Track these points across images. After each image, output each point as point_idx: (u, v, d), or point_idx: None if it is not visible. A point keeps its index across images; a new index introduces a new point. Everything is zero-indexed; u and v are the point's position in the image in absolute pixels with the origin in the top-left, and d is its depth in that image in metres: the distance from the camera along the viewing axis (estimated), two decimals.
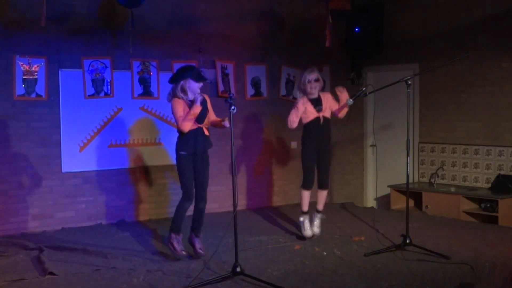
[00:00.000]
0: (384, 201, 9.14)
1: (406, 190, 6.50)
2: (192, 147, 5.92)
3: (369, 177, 9.92)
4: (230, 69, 8.57)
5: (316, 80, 6.60)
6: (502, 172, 8.15)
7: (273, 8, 8.97)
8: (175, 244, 6.01)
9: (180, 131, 5.94)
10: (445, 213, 8.03)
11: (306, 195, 6.77)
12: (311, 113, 6.62)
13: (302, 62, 9.19)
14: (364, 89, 6.56)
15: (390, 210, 8.60)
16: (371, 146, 9.78)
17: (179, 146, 5.98)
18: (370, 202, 9.79)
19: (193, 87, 5.88)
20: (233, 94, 5.46)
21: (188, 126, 5.84)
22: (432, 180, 8.70)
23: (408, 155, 6.31)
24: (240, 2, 8.64)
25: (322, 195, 6.81)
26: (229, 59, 8.58)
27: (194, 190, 6.03)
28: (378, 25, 9.30)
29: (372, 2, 9.27)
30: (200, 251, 6.01)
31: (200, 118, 5.93)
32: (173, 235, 6.05)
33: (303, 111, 6.62)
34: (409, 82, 6.28)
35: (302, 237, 6.76)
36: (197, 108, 5.82)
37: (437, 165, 8.90)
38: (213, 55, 8.44)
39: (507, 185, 7.88)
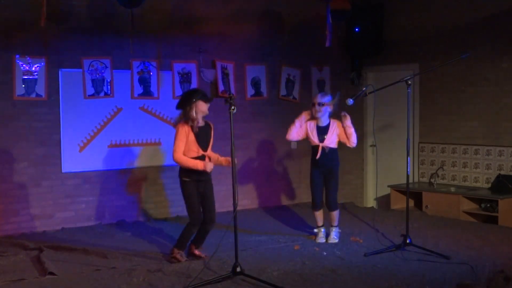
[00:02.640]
0: (384, 201, 9.13)
1: (406, 190, 6.50)
2: (195, 173, 5.83)
3: (369, 177, 9.92)
4: (230, 69, 8.57)
5: (320, 105, 6.48)
6: (502, 172, 8.15)
7: (273, 8, 8.97)
8: (178, 257, 5.93)
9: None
10: (445, 213, 8.03)
11: (315, 214, 6.76)
12: (313, 141, 6.60)
13: (302, 62, 9.20)
14: (364, 89, 6.55)
15: (390, 210, 8.60)
16: (371, 146, 9.78)
17: (183, 173, 5.89)
18: (370, 202, 9.78)
19: (203, 108, 5.83)
20: (233, 94, 5.45)
21: (180, 161, 5.79)
22: (432, 180, 8.69)
23: (408, 155, 6.31)
24: (240, 2, 8.64)
25: (332, 215, 6.75)
26: (229, 59, 8.58)
27: (201, 215, 5.95)
28: (378, 25, 9.30)
29: (372, 2, 9.27)
30: (202, 255, 5.99)
31: (203, 146, 5.89)
32: (176, 250, 5.98)
33: (304, 132, 6.60)
34: (409, 82, 6.28)
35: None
36: (200, 166, 5.77)
37: (437, 165, 8.90)
38: (213, 55, 8.44)
39: (507, 185, 7.87)
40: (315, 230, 6.81)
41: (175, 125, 5.88)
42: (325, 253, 6.16)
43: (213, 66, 8.44)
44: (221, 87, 8.43)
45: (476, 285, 5.14)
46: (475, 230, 7.08)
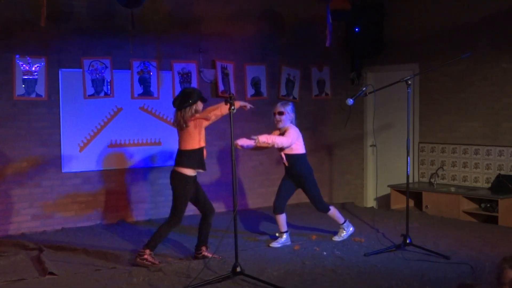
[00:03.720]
0: (384, 201, 9.14)
1: (406, 190, 6.49)
2: (198, 164, 5.84)
3: (369, 177, 9.92)
4: (230, 69, 8.58)
5: (280, 113, 6.44)
6: (502, 172, 8.15)
7: (273, 8, 8.96)
8: (150, 259, 5.78)
9: (184, 150, 5.82)
10: (445, 213, 8.03)
11: (277, 218, 6.62)
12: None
13: (302, 62, 9.20)
14: (364, 89, 6.54)
15: (390, 210, 8.61)
16: (371, 146, 9.78)
17: (186, 163, 5.81)
18: (370, 202, 9.79)
19: (200, 109, 5.86)
20: (233, 94, 5.45)
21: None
22: (432, 180, 8.69)
23: (408, 155, 6.31)
24: (240, 2, 8.64)
25: (328, 216, 6.75)
26: (229, 59, 8.58)
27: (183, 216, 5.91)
28: (378, 25, 9.30)
29: (372, 2, 9.27)
30: (217, 256, 5.91)
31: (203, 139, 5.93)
32: (148, 251, 5.79)
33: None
34: (409, 82, 6.27)
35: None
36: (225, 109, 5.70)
37: (437, 165, 8.90)
38: (213, 55, 8.44)
39: (507, 185, 7.88)
40: (277, 234, 6.69)
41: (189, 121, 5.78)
42: (325, 253, 6.16)
43: (213, 66, 8.44)
44: (221, 87, 8.44)
45: (476, 285, 5.14)
46: (475, 230, 7.08)
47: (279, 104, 6.54)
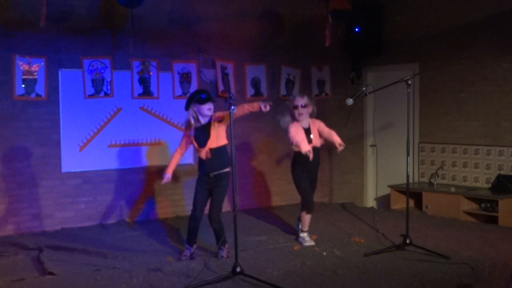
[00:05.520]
0: (384, 201, 9.14)
1: (406, 190, 6.49)
2: (202, 169, 6.02)
3: (369, 177, 9.92)
4: (230, 69, 8.57)
5: (304, 106, 6.42)
6: (502, 172, 8.15)
7: (273, 8, 8.97)
8: (184, 252, 6.07)
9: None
10: (445, 213, 8.03)
11: (308, 218, 6.65)
12: None
13: (302, 62, 9.20)
14: (364, 89, 6.53)
15: (390, 210, 8.60)
16: (371, 146, 9.78)
17: (198, 166, 6.15)
18: (370, 202, 9.79)
19: (202, 111, 5.89)
20: (233, 94, 5.45)
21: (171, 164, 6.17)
22: (432, 180, 8.69)
23: (408, 155, 6.31)
24: (240, 2, 8.64)
25: (305, 218, 6.65)
26: (229, 59, 8.58)
27: (201, 213, 6.03)
28: (378, 25, 9.30)
29: (372, 2, 9.27)
30: (224, 256, 5.99)
31: (200, 142, 5.96)
32: (186, 245, 6.12)
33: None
34: (409, 82, 6.27)
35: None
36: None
37: (437, 165, 8.90)
38: (213, 55, 8.44)
39: (507, 185, 7.88)
40: (302, 236, 6.64)
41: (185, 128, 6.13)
42: (325, 253, 6.15)
43: (213, 66, 8.44)
44: (221, 87, 8.44)
45: (476, 285, 5.15)
46: (475, 230, 7.08)
47: (298, 97, 6.50)
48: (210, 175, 5.96)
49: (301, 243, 6.55)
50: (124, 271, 5.57)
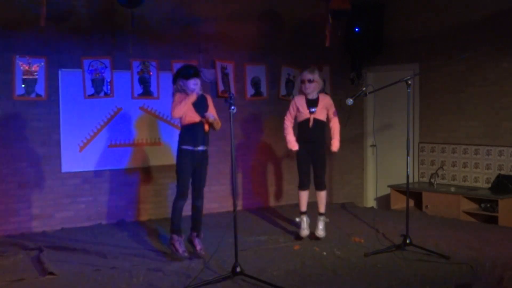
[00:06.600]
0: (384, 201, 9.13)
1: (406, 190, 6.50)
2: (193, 140, 5.96)
3: (369, 177, 9.92)
4: (230, 69, 8.57)
5: (310, 81, 6.51)
6: (502, 172, 8.15)
7: (273, 8, 8.96)
8: (177, 246, 6.03)
9: (181, 126, 6.02)
10: (445, 213, 8.03)
11: (302, 195, 6.77)
12: (303, 113, 6.60)
13: (302, 62, 9.19)
14: (364, 89, 6.54)
15: (390, 210, 8.60)
16: (371, 146, 9.78)
17: (181, 140, 6.03)
18: (370, 202, 9.78)
19: (188, 85, 5.93)
20: (233, 94, 5.46)
21: (179, 111, 5.86)
22: (432, 180, 8.69)
23: (408, 155, 6.31)
24: (240, 2, 8.64)
25: (320, 196, 6.77)
26: (229, 59, 8.58)
27: (189, 189, 6.06)
28: (378, 25, 9.30)
29: (372, 2, 9.27)
30: (201, 251, 6.02)
31: (199, 111, 5.98)
32: (174, 237, 6.07)
33: (297, 111, 6.62)
34: (409, 82, 6.28)
35: (299, 237, 6.74)
36: (192, 97, 5.88)
37: (437, 165, 8.89)
38: (213, 55, 8.44)
39: (507, 185, 7.87)
40: (297, 220, 6.77)
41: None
42: (325, 253, 6.16)
43: (213, 66, 8.44)
44: (221, 87, 8.44)
45: (476, 285, 5.14)
46: (475, 230, 7.08)
47: (307, 72, 6.56)
48: (198, 149, 5.99)
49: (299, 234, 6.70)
50: (124, 271, 5.57)
